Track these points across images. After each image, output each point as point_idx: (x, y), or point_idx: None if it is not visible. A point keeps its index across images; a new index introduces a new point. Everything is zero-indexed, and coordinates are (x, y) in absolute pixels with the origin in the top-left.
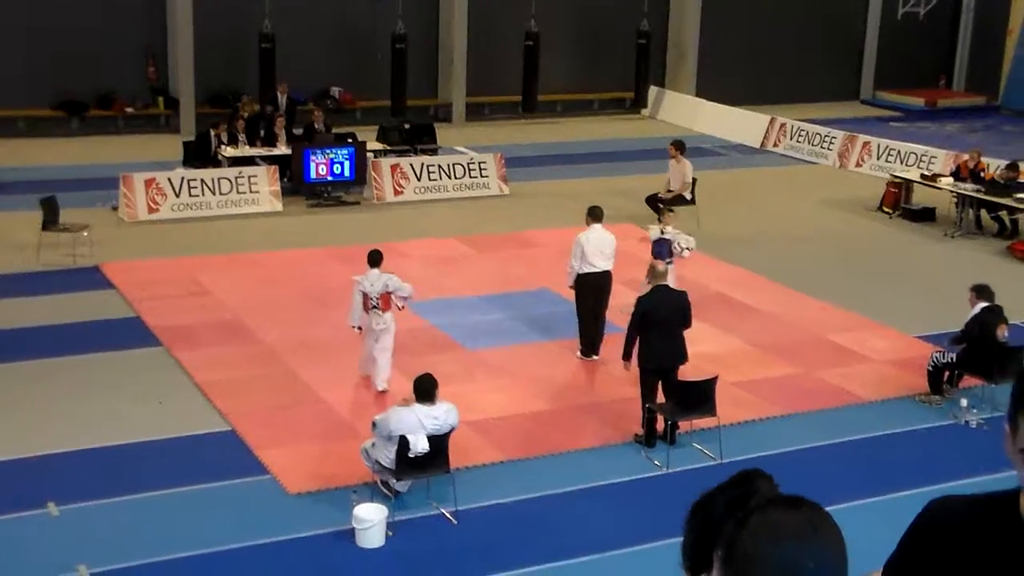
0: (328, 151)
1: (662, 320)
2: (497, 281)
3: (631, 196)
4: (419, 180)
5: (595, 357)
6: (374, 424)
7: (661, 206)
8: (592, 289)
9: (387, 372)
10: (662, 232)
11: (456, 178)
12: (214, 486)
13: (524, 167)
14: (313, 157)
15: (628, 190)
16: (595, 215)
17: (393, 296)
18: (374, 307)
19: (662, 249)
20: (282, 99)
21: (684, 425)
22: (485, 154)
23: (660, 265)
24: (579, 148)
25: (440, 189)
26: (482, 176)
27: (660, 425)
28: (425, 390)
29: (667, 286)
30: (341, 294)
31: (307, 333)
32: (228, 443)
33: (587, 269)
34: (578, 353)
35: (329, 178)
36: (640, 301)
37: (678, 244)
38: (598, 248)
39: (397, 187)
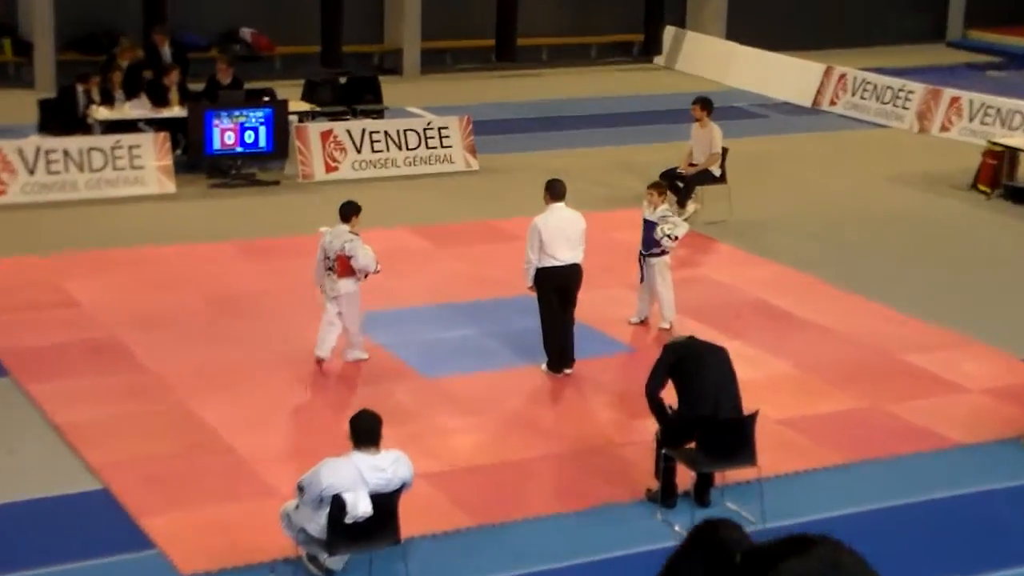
0: (237, 113)
1: (703, 364)
2: (464, 286)
3: (640, 172)
4: (359, 152)
5: (567, 371)
6: (300, 487)
7: (681, 185)
8: (555, 287)
9: (332, 342)
10: (654, 212)
11: (409, 149)
12: (80, 567)
13: (499, 134)
14: (217, 121)
15: (636, 164)
16: (555, 192)
17: (354, 259)
18: (329, 268)
19: (646, 237)
20: (164, 51)
21: (716, 478)
22: (447, 117)
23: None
24: (571, 109)
25: (387, 164)
26: (443, 146)
27: (683, 478)
28: (366, 432)
29: (698, 338)
30: (254, 303)
31: (208, 356)
32: (99, 507)
33: (548, 262)
34: (543, 367)
35: (238, 149)
36: (668, 348)
37: (661, 231)
38: (560, 234)
39: (330, 161)
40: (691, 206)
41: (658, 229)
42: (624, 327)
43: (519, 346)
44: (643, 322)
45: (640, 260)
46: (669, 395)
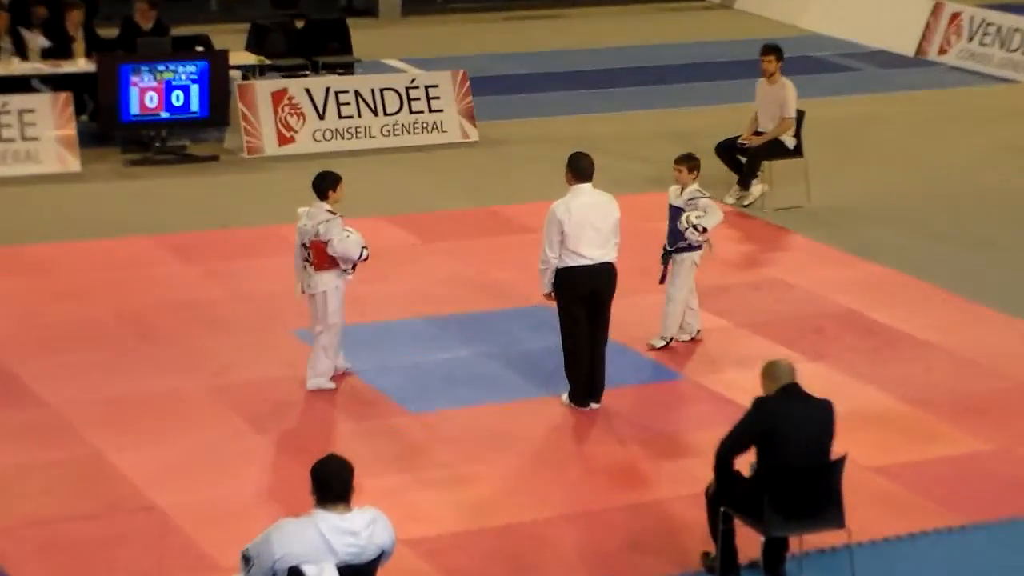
0: (161, 68)
1: (796, 447)
2: (459, 293)
3: (689, 142)
4: (322, 118)
5: (594, 406)
6: (246, 557)
7: (744, 160)
8: (581, 294)
9: (324, 364)
10: (680, 194)
11: (387, 114)
12: None
13: (504, 94)
14: (135, 79)
15: (685, 133)
16: (580, 170)
17: (330, 245)
18: (306, 260)
19: (672, 228)
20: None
21: (792, 543)
22: (436, 73)
23: (782, 364)
24: (599, 61)
25: (359, 134)
26: (431, 111)
27: (750, 542)
28: (333, 484)
29: (797, 388)
30: (183, 319)
31: (123, 388)
32: None
33: (572, 262)
34: (564, 398)
35: (163, 115)
36: (760, 409)
37: (686, 220)
38: (587, 225)
39: (284, 131)
40: (757, 188)
41: (683, 218)
42: (676, 350)
43: (531, 371)
44: (694, 339)
45: (664, 259)
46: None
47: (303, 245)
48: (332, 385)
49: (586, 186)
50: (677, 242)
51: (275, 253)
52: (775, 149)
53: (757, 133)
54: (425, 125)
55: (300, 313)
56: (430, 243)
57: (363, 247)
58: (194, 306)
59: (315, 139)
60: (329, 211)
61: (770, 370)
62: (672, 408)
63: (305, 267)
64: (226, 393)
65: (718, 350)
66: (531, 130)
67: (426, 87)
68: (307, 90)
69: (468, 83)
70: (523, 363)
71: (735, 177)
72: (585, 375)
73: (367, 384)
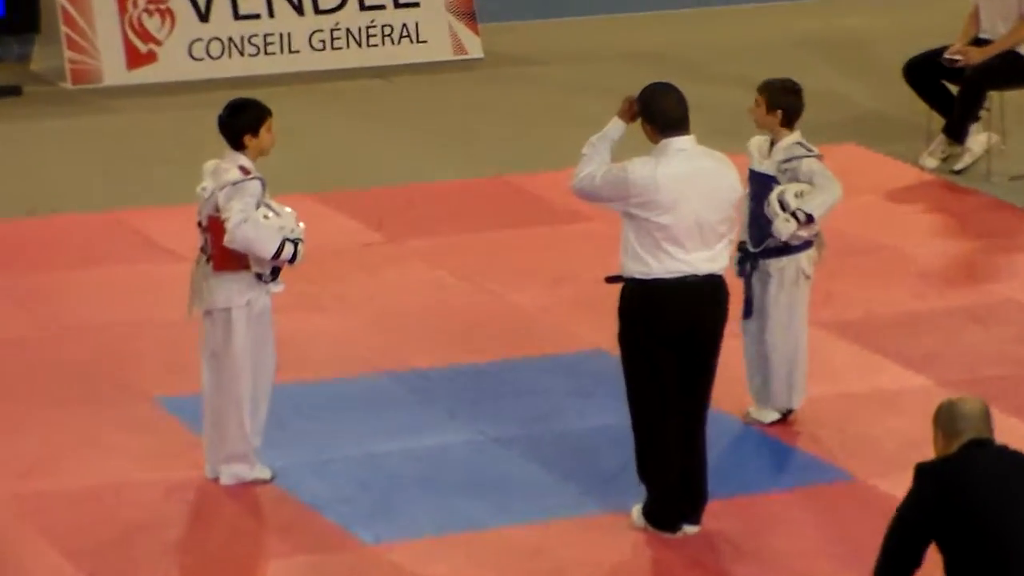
0: None
1: (1008, 510)
2: (450, 329)
3: (839, 55)
4: (205, 20)
5: (690, 529)
6: None
7: (956, 89)
8: (672, 332)
9: (237, 439)
10: (769, 152)
11: (321, 11)
12: None
13: None
14: None
15: (825, 38)
16: (666, 116)
17: (229, 234)
18: (203, 248)
19: (754, 212)
20: None
21: None
22: None
23: (966, 405)
24: None
25: (273, 46)
26: (400, 4)
27: None
28: None
29: (996, 446)
30: None
31: None
32: None
33: (657, 271)
34: (636, 515)
35: None
36: (932, 482)
37: (777, 199)
38: (686, 209)
39: (138, 42)
40: (978, 139)
41: (773, 195)
42: (812, 422)
43: (575, 468)
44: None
45: (744, 266)
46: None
47: (200, 225)
48: (263, 475)
49: (683, 141)
50: (765, 239)
51: (123, 258)
52: (1011, 70)
53: (978, 42)
54: (389, 31)
55: (170, 364)
56: (401, 241)
57: (290, 238)
58: None
59: (192, 55)
60: (243, 168)
61: (948, 415)
62: (832, 537)
63: (201, 262)
64: (33, 509)
65: (910, 428)
66: (568, 38)
67: None
68: None
69: None
70: (560, 454)
71: (936, 121)
72: (674, 475)
73: (295, 498)
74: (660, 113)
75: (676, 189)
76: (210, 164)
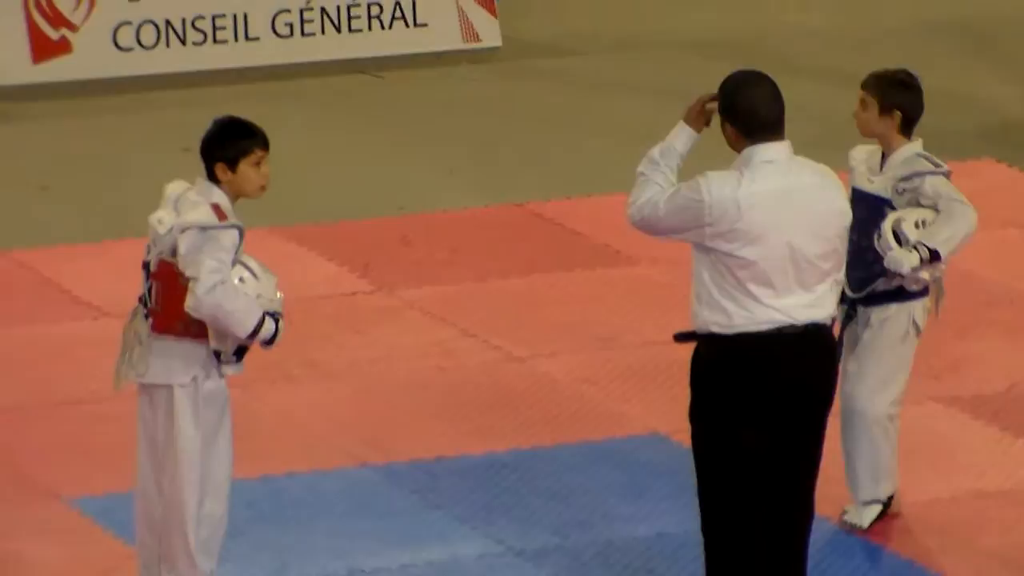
0: None
1: None
2: (459, 408)
3: (992, 53)
4: None
5: None
6: None
7: None
8: (766, 402)
9: (181, 564)
10: (880, 168)
11: None
12: None
13: None
14: None
15: (979, 28)
16: (757, 116)
17: (190, 291)
18: (142, 300)
19: (860, 246)
20: None
21: None
22: None
23: None
24: None
25: (224, 33)
26: None
27: None
28: None
29: None
30: None
31: None
32: None
33: (742, 321)
34: None
35: None
36: None
37: (891, 227)
38: (780, 240)
39: (47, 27)
40: None
41: (887, 224)
42: (928, 527)
43: None
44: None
45: (849, 318)
46: None
47: (145, 267)
48: None
49: (774, 150)
50: (871, 281)
51: (21, 314)
52: None
53: None
54: (377, 11)
55: (84, 454)
56: (393, 290)
57: (271, 314)
58: None
59: (118, 44)
60: (216, 208)
61: None
62: None
63: (136, 317)
64: None
65: None
66: (610, 20)
67: None
68: None
69: None
70: (605, 571)
71: None
72: None
73: None
74: (747, 111)
75: (765, 213)
76: (175, 187)
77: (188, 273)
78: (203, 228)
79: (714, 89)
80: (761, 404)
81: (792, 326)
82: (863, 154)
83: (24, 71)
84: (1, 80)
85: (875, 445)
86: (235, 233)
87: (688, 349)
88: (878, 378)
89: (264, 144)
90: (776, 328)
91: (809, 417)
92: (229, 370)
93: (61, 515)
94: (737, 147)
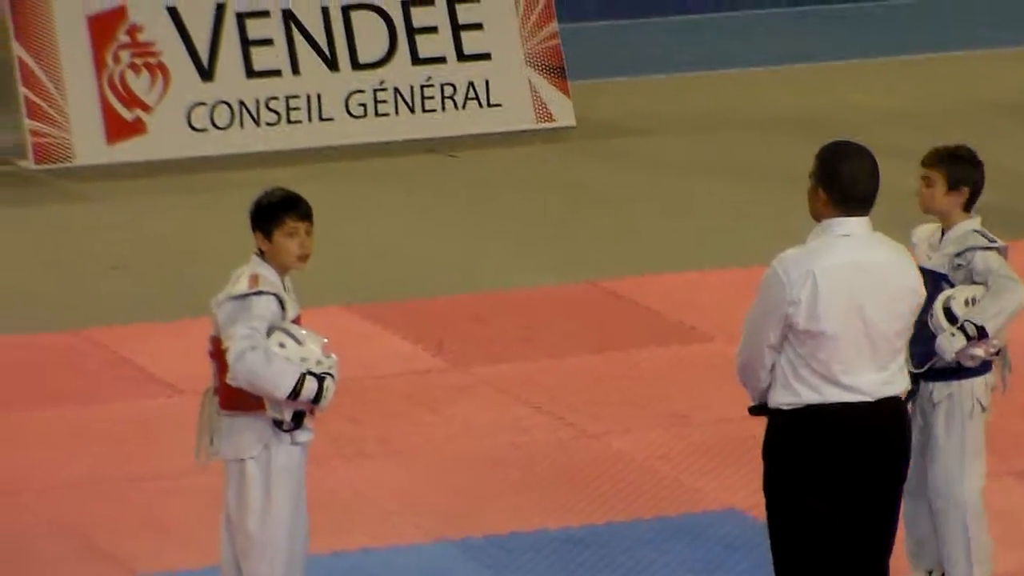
0: None
1: None
2: (531, 485)
3: None
4: (209, 77)
5: None
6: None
7: None
8: (838, 476)
9: None
10: (939, 243)
11: (362, 65)
12: None
13: (614, 17)
14: None
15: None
16: (850, 188)
17: (230, 369)
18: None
19: (920, 323)
20: None
21: None
22: None
23: None
24: None
25: (298, 114)
26: (465, 55)
27: None
28: None
29: None
30: None
31: None
32: None
33: (813, 396)
34: None
35: None
36: None
37: (942, 307)
38: (853, 315)
39: (121, 108)
40: None
41: (939, 302)
42: None
43: None
44: None
45: (914, 395)
46: None
47: (210, 352)
48: None
49: (852, 224)
50: (932, 356)
51: (96, 392)
52: None
53: None
54: (451, 91)
55: (158, 530)
56: (467, 367)
57: (314, 372)
58: None
59: (192, 125)
60: (253, 278)
61: None
62: None
63: (207, 396)
64: None
65: None
66: (681, 99)
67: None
68: (171, 8)
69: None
70: None
71: None
72: None
73: None
74: (847, 182)
75: (839, 288)
76: (240, 268)
77: (225, 344)
78: (235, 297)
79: (779, 167)
80: (833, 476)
81: (865, 401)
82: (925, 232)
83: (99, 151)
84: (76, 160)
85: (953, 528)
86: (269, 300)
87: (762, 425)
88: (952, 457)
89: (299, 214)
90: (853, 402)
91: (882, 490)
92: (300, 438)
93: None
94: (822, 214)
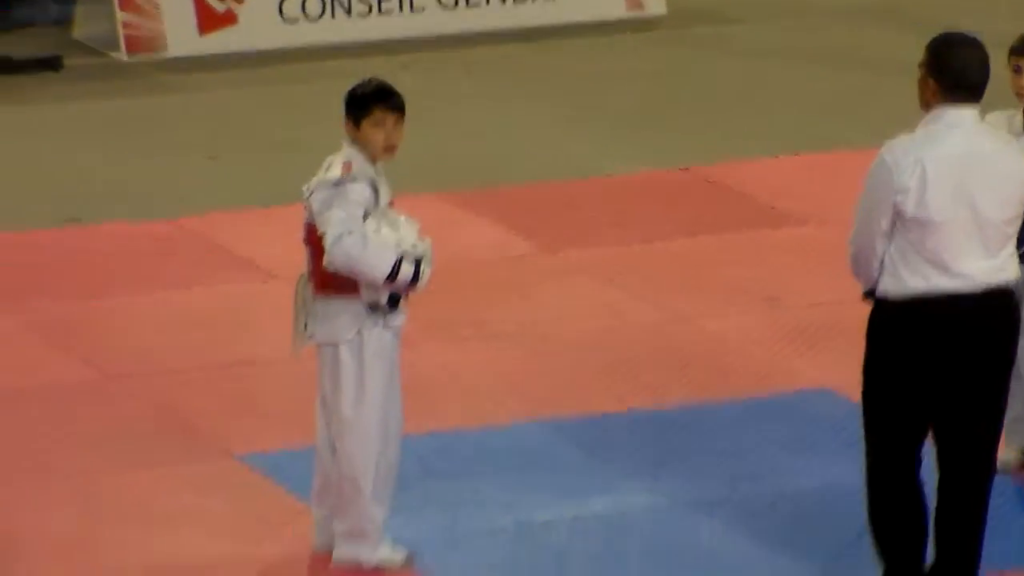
0: None
1: None
2: (626, 366)
3: None
4: None
5: None
6: None
7: None
8: (937, 364)
9: (361, 511)
10: None
11: None
12: None
13: None
14: None
15: None
16: (959, 76)
17: (327, 253)
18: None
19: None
20: None
21: None
22: None
23: None
24: None
25: (390, 7)
26: None
27: None
28: None
29: None
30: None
31: None
32: None
33: (920, 283)
34: None
35: None
36: None
37: None
38: (962, 202)
39: (214, 1)
40: None
41: None
42: None
43: (790, 538)
44: None
45: None
46: None
47: (304, 238)
48: (393, 558)
49: (960, 115)
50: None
51: (192, 277)
52: None
53: None
54: None
55: (254, 413)
56: (560, 251)
57: (405, 257)
58: (12, 400)
59: (284, 16)
60: (346, 165)
61: None
62: None
63: (302, 283)
64: None
65: None
66: None
67: None
68: None
69: None
70: (774, 522)
71: None
72: (916, 548)
73: None
74: (958, 70)
75: (948, 177)
76: (332, 156)
77: (321, 230)
78: (330, 184)
79: (872, 55)
80: (939, 364)
81: (970, 289)
82: (1002, 119)
83: (191, 42)
84: (169, 51)
85: None
86: (363, 186)
87: (857, 309)
88: None
89: (388, 105)
90: (957, 291)
91: (990, 378)
92: (394, 320)
93: (233, 471)
94: (927, 105)
